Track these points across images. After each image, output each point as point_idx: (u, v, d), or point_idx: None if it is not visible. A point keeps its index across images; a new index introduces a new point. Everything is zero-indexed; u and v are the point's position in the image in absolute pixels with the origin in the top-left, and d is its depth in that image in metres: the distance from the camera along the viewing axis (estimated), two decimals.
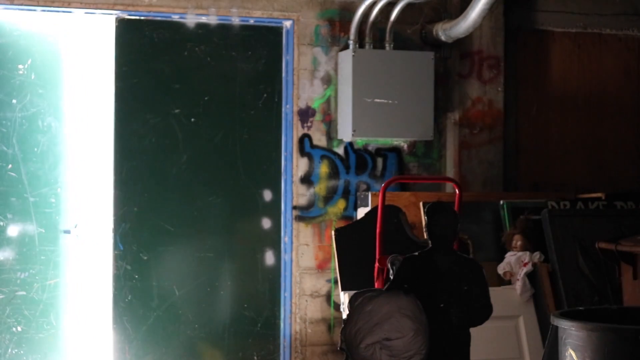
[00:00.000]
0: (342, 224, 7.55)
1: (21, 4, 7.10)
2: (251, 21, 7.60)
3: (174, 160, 7.48)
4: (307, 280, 7.64)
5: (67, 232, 7.38)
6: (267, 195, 7.67)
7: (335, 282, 7.45)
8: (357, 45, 7.58)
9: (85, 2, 7.18)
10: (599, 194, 7.75)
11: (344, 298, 6.83)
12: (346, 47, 7.63)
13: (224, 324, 7.59)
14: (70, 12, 7.26)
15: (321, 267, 7.66)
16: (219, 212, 7.57)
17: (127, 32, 7.39)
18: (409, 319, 5.37)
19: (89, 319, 7.52)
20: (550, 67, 8.37)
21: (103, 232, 7.46)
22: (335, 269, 7.26)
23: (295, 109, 7.63)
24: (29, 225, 7.30)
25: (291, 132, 7.63)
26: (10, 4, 7.09)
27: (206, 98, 7.54)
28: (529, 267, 7.09)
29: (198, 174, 7.55)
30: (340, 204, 7.72)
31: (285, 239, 7.66)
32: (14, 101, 7.29)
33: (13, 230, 7.28)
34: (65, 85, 7.45)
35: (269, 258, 7.67)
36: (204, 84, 7.54)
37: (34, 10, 7.18)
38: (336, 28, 7.70)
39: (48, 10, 7.21)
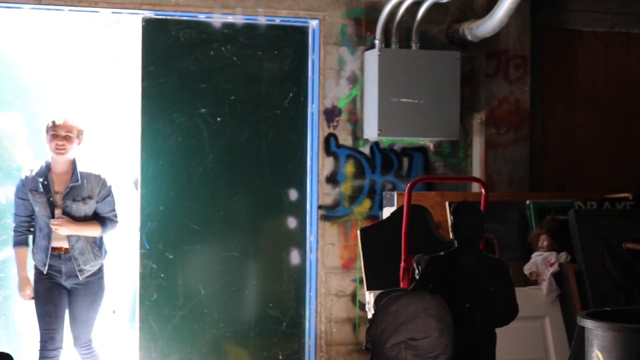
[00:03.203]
0: (367, 223, 7.54)
1: (49, 4, 7.13)
2: (277, 21, 7.61)
3: (200, 159, 7.50)
4: (333, 279, 7.63)
5: None
6: (293, 194, 7.68)
7: (361, 281, 7.44)
8: (383, 45, 7.57)
9: (112, 2, 7.20)
10: (626, 194, 7.71)
11: (369, 298, 6.82)
12: (372, 46, 7.62)
13: (249, 323, 7.60)
14: (97, 11, 7.29)
15: (346, 266, 7.66)
16: (244, 212, 7.58)
17: (153, 31, 7.41)
18: (434, 319, 5.36)
19: (115, 317, 7.55)
20: (578, 66, 8.33)
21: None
22: (360, 268, 7.26)
23: (321, 108, 7.63)
24: None
25: (317, 131, 7.64)
26: (38, 4, 7.11)
27: (232, 97, 7.56)
28: (555, 268, 7.06)
29: (224, 173, 7.56)
30: (366, 204, 7.71)
31: (310, 238, 7.66)
32: (17, 102, 7.37)
33: None
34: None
35: (295, 257, 7.68)
36: (230, 83, 7.55)
37: (62, 10, 7.20)
38: (362, 27, 7.69)
39: (75, 10, 7.24)
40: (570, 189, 8.10)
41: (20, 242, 6.54)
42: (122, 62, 7.96)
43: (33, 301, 6.51)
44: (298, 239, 7.68)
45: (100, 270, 6.57)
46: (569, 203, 7.47)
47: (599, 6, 8.32)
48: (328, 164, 7.65)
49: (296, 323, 7.67)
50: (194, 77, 7.48)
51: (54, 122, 6.42)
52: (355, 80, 7.69)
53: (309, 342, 7.66)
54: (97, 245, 6.53)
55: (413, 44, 7.66)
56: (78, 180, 6.44)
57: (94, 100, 7.56)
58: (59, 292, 6.47)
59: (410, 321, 5.36)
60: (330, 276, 7.63)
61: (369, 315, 6.53)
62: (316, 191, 7.64)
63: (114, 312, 7.48)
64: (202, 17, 7.46)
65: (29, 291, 6.47)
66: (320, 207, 7.64)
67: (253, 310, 7.60)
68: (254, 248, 7.61)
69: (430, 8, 7.52)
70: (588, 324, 5.26)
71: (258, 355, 7.60)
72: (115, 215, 6.60)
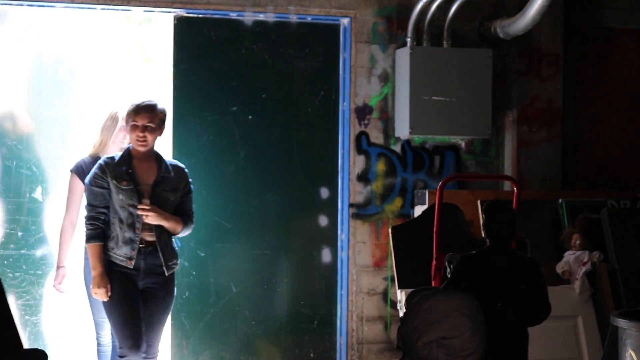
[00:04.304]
0: (399, 222, 7.53)
1: (82, 2, 7.17)
2: (308, 19, 7.61)
3: (231, 157, 7.51)
4: (364, 278, 7.63)
5: None
6: (324, 192, 7.68)
7: (392, 280, 7.43)
8: (415, 43, 7.56)
9: (144, 0, 7.23)
10: None
11: (400, 296, 6.82)
12: (404, 44, 7.61)
13: (280, 321, 7.61)
14: (129, 10, 7.32)
15: (378, 264, 7.66)
16: (276, 210, 7.59)
17: (185, 30, 7.43)
18: (467, 318, 5.34)
19: None
20: (611, 64, 8.28)
21: None
22: (392, 267, 7.25)
23: (353, 106, 7.62)
24: None
25: (348, 129, 7.63)
26: (71, 3, 7.15)
27: (263, 96, 7.57)
28: (588, 267, 7.02)
29: (255, 172, 7.57)
30: (397, 202, 7.70)
31: (342, 236, 7.66)
32: (56, 100, 7.40)
33: None
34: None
35: (326, 255, 7.68)
36: (261, 81, 7.56)
37: (94, 8, 7.24)
38: (394, 25, 7.68)
39: (108, 9, 7.27)
40: (603, 188, 8.05)
41: (97, 235, 5.89)
42: (153, 60, 7.98)
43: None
44: (329, 237, 7.68)
45: (174, 272, 6.14)
46: (601, 202, 7.43)
47: (633, 3, 8.26)
48: (359, 162, 7.65)
49: (327, 321, 7.67)
50: (226, 75, 7.50)
51: (134, 112, 5.91)
52: (387, 78, 7.68)
53: (340, 340, 7.66)
54: (173, 242, 6.10)
55: (445, 42, 7.64)
56: (170, 172, 6.00)
57: (126, 99, 7.57)
58: (136, 293, 5.93)
59: (442, 320, 5.35)
60: (362, 274, 7.63)
61: (401, 314, 6.52)
62: (347, 189, 7.63)
63: None
64: (233, 15, 7.48)
65: (108, 289, 5.86)
66: (351, 205, 7.63)
67: (284, 308, 7.61)
68: (286, 246, 7.62)
69: (461, 6, 7.50)
70: (621, 323, 5.23)
71: (289, 353, 7.61)
72: (193, 215, 6.18)
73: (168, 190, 5.97)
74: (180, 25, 7.42)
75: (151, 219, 5.89)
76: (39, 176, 7.33)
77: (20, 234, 7.28)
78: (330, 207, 7.69)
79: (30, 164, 7.32)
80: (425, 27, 7.57)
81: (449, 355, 5.31)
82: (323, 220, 7.68)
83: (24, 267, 7.31)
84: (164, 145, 7.49)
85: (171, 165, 6.05)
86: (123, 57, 7.64)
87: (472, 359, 5.32)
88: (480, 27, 7.82)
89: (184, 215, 6.06)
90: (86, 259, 6.19)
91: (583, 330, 6.98)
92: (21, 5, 7.15)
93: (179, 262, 6.16)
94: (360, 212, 7.65)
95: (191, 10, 7.38)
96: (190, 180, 6.10)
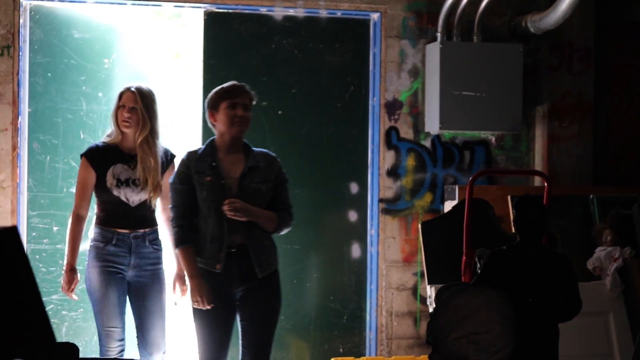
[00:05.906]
0: (428, 217, 7.52)
1: None
2: (338, 13, 7.60)
3: None
4: (394, 273, 7.63)
5: None
6: (354, 187, 7.67)
7: (422, 275, 7.42)
8: (445, 38, 7.54)
9: None
10: None
11: (430, 291, 6.80)
12: (434, 39, 7.59)
13: (310, 316, 7.62)
14: (159, 5, 7.34)
15: (407, 260, 7.65)
16: (305, 205, 7.59)
17: (215, 25, 7.45)
18: (496, 314, 5.31)
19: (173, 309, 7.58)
20: None
21: None
22: (422, 262, 7.24)
23: (382, 101, 7.61)
24: None
25: (378, 124, 7.63)
26: None
27: (293, 91, 7.58)
28: (619, 263, 6.98)
29: (285, 167, 7.53)
30: (427, 197, 7.69)
31: (371, 231, 7.65)
32: (100, 94, 7.40)
33: None
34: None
35: (355, 251, 7.68)
36: (291, 76, 7.57)
37: (125, 4, 7.27)
38: (424, 20, 7.67)
39: (138, 4, 7.30)
40: (634, 183, 8.00)
41: (187, 238, 5.39)
42: (183, 55, 8.01)
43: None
44: (359, 232, 7.68)
45: (277, 271, 5.55)
46: (633, 197, 7.38)
47: None
48: (389, 157, 7.64)
49: (357, 316, 7.68)
50: (256, 70, 7.51)
51: (229, 94, 5.42)
52: (417, 73, 7.66)
53: (370, 335, 7.66)
54: (270, 239, 5.52)
55: (475, 37, 7.62)
56: (258, 161, 5.46)
57: (156, 94, 7.60)
58: (227, 309, 5.48)
59: (471, 315, 5.32)
60: (391, 270, 7.62)
61: (430, 309, 6.51)
62: (377, 184, 7.63)
63: (175, 304, 7.45)
64: (263, 11, 7.49)
65: (208, 295, 5.37)
66: (381, 200, 7.63)
67: (314, 303, 7.62)
68: (315, 241, 7.63)
69: (492, 0, 7.47)
70: None
71: (319, 348, 7.62)
72: (291, 208, 5.61)
73: (258, 182, 5.41)
74: (210, 20, 7.44)
75: (239, 215, 5.31)
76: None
77: (55, 228, 7.30)
78: (359, 202, 7.69)
79: (69, 158, 7.32)
80: (456, 21, 7.55)
81: (478, 350, 5.28)
82: (352, 216, 7.68)
83: (60, 262, 7.34)
84: (194, 140, 7.53)
85: (260, 154, 5.51)
86: (153, 53, 7.66)
87: (502, 354, 5.29)
88: (511, 22, 7.79)
89: (279, 209, 5.49)
90: (91, 259, 5.92)
91: (614, 327, 6.94)
92: (52, 0, 7.18)
93: (277, 263, 5.56)
94: (390, 207, 7.64)
95: (221, 6, 7.40)
96: (284, 170, 5.60)
